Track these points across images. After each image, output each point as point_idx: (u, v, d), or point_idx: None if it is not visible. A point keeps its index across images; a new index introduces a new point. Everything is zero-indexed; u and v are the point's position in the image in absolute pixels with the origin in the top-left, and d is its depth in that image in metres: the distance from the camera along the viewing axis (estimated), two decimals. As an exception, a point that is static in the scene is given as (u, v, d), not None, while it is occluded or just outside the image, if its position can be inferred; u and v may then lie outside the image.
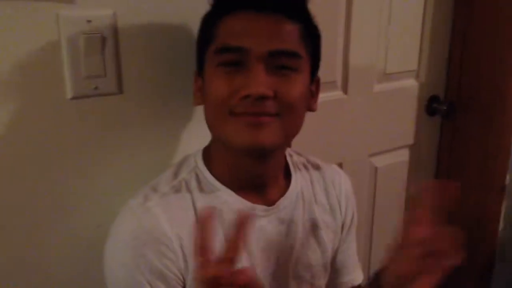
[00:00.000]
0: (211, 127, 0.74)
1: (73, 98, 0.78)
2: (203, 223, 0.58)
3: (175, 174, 0.77)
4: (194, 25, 0.79)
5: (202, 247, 0.57)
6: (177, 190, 0.75)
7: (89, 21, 0.76)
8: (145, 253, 0.68)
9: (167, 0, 0.82)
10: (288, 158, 0.85)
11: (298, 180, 0.84)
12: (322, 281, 0.88)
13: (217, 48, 0.70)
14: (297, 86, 0.71)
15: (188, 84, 0.82)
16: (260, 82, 0.67)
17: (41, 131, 0.77)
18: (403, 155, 1.53)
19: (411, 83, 1.47)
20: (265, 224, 0.78)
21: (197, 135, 0.88)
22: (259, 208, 0.77)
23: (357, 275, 0.97)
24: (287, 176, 0.84)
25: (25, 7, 0.71)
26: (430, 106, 1.52)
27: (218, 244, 0.72)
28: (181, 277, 0.71)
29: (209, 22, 0.75)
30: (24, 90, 0.74)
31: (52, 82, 0.76)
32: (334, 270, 0.92)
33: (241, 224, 0.59)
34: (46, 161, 0.79)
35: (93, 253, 0.79)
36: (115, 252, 0.71)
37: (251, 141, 0.69)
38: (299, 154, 0.90)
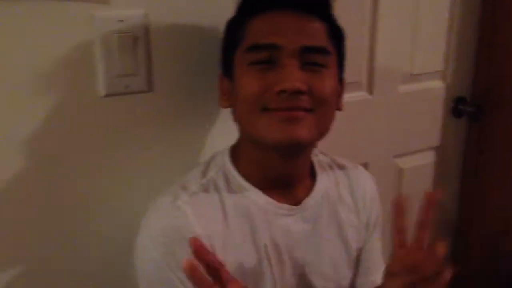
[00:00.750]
0: (243, 125, 0.75)
1: (106, 95, 0.80)
2: None
3: (204, 173, 0.78)
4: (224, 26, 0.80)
5: None
6: (205, 189, 0.76)
7: (121, 21, 0.78)
8: (175, 251, 0.69)
9: (198, 1, 0.84)
10: (314, 158, 0.86)
11: (324, 179, 0.84)
12: (346, 280, 0.88)
13: (248, 47, 0.71)
14: (328, 81, 0.72)
15: (217, 84, 0.84)
16: (295, 77, 0.68)
17: (74, 127, 0.79)
18: (429, 157, 1.51)
19: (437, 84, 1.46)
20: (290, 223, 0.79)
21: (224, 133, 0.89)
22: (285, 207, 0.78)
23: (381, 276, 0.96)
24: (313, 175, 0.84)
25: (61, 8, 0.74)
26: (457, 107, 1.50)
27: (246, 239, 0.75)
28: None
29: (236, 25, 0.76)
30: (59, 88, 0.77)
31: (85, 80, 0.78)
32: (358, 270, 0.92)
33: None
34: (77, 157, 0.81)
35: (121, 249, 0.82)
36: (145, 249, 0.72)
37: (286, 136, 0.69)
38: (324, 154, 0.90)
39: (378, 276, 0.96)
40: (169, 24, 0.83)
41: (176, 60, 0.85)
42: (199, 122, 0.91)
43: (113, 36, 0.78)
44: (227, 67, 0.77)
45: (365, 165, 1.31)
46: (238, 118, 0.75)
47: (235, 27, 0.76)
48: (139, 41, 0.80)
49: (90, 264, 0.86)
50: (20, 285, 0.81)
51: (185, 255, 0.68)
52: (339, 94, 0.79)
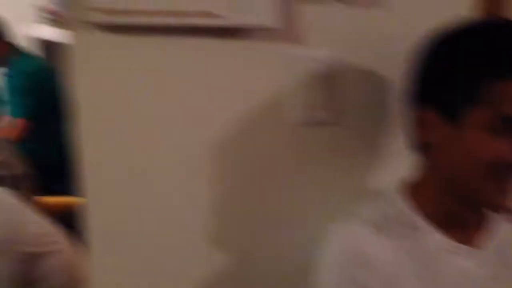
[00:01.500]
0: (454, 177, 0.75)
1: (296, 125, 0.88)
2: None
3: (376, 203, 0.81)
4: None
5: None
6: (378, 218, 0.78)
7: (316, 60, 0.86)
8: (354, 276, 0.73)
9: (387, 40, 0.88)
10: None
11: (504, 223, 0.83)
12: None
13: (501, 117, 0.68)
14: None
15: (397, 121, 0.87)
16: None
17: (268, 151, 0.89)
18: None
19: None
20: (470, 266, 0.77)
21: (395, 168, 0.92)
22: (464, 249, 0.77)
23: None
24: (492, 219, 0.82)
25: (262, 47, 0.85)
26: None
27: (419, 277, 0.76)
28: None
29: (469, 76, 0.71)
30: (259, 116, 0.87)
31: (278, 109, 0.87)
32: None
33: None
34: (264, 177, 0.90)
35: (296, 272, 0.88)
36: (325, 272, 0.76)
37: (497, 203, 0.72)
38: None
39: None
40: (358, 63, 0.88)
41: (363, 97, 0.90)
42: (377, 155, 0.94)
43: (306, 72, 0.86)
44: (441, 104, 0.74)
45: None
46: (448, 167, 0.75)
47: (465, 78, 0.71)
48: (329, 77, 0.87)
49: (267, 279, 0.94)
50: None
51: (364, 280, 0.72)
52: None
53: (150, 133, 0.85)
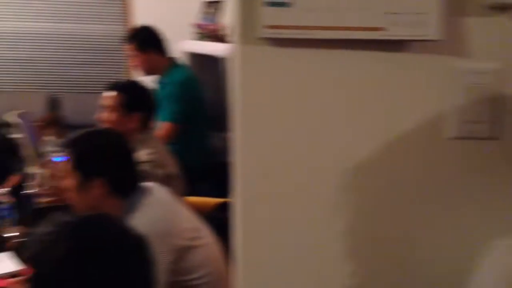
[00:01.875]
0: None
1: (453, 138, 0.87)
2: None
3: None
4: None
5: None
6: None
7: (478, 73, 0.85)
8: None
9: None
10: None
11: None
12: None
13: None
14: None
15: None
16: None
17: (421, 162, 0.89)
18: None
19: None
20: None
21: None
22: None
23: None
24: None
25: (424, 60, 0.85)
26: None
27: None
28: None
29: None
30: (415, 126, 0.87)
31: (438, 122, 0.87)
32: None
33: None
34: (420, 190, 0.89)
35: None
36: None
37: None
38: None
39: None
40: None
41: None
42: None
43: (468, 85, 0.85)
44: None
45: None
46: None
47: None
48: (492, 91, 0.85)
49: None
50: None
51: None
52: None
53: (306, 145, 0.88)
